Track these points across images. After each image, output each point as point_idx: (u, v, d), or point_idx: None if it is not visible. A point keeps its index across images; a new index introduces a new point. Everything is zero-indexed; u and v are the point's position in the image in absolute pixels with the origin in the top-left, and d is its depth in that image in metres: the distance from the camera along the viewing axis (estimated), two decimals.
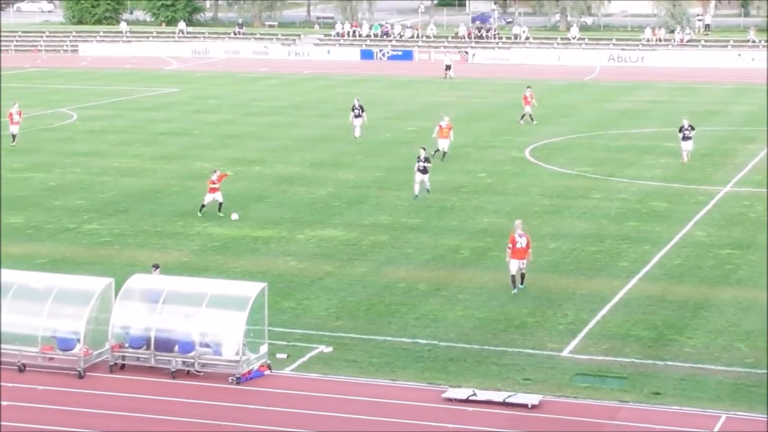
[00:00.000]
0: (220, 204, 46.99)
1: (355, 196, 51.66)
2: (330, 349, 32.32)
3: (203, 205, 47.14)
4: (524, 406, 28.16)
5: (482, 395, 28.61)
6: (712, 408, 28.06)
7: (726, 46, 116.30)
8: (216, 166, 50.88)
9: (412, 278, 38.99)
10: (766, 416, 27.51)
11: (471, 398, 28.51)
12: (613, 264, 40.57)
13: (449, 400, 28.61)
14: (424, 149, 50.97)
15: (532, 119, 71.91)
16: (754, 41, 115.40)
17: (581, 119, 75.37)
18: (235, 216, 46.34)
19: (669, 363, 31.15)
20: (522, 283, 37.17)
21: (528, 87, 74.62)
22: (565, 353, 32.05)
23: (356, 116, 66.53)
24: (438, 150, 58.88)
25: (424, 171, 50.47)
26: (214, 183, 47.08)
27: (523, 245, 36.93)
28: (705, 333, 33.46)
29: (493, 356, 31.78)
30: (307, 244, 43.35)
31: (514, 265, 37.01)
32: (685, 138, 57.99)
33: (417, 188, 50.49)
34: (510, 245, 36.99)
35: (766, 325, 33.84)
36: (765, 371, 30.35)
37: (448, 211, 48.65)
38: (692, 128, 58.06)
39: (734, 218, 47.09)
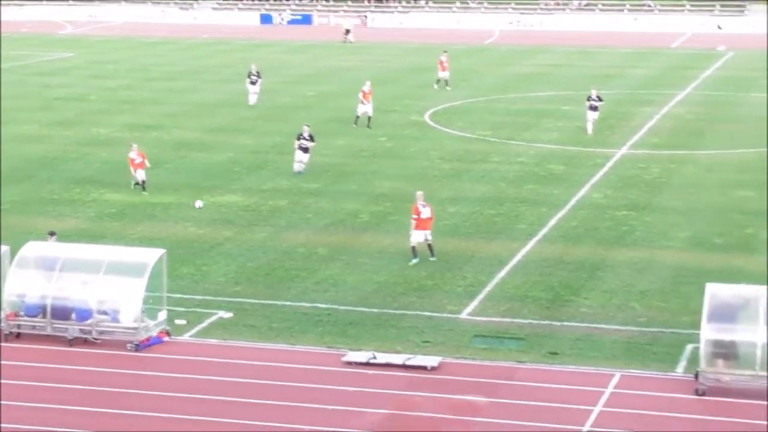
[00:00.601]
0: (143, 181, 45.50)
1: (255, 161, 51.45)
2: (229, 314, 32.26)
3: (137, 183, 45.69)
4: (423, 368, 28.38)
5: (382, 358, 28.79)
6: (607, 366, 28.53)
7: (622, 10, 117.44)
8: (132, 141, 48.63)
9: (311, 243, 39.00)
10: (657, 373, 28.03)
11: (371, 361, 28.68)
12: (512, 227, 40.94)
13: (349, 363, 28.74)
14: (308, 126, 49.29)
15: (447, 84, 71.68)
16: (649, 6, 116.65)
17: (480, 83, 75.69)
18: (199, 204, 43.70)
19: (566, 323, 31.58)
20: (433, 255, 36.81)
21: (444, 51, 74.38)
22: (464, 315, 32.33)
23: (251, 83, 66.05)
24: (359, 117, 58.66)
25: (305, 150, 48.38)
26: (134, 161, 45.80)
27: (428, 215, 36.88)
28: (601, 293, 33.95)
29: (393, 319, 31.95)
30: (206, 210, 43.12)
31: (419, 236, 36.93)
32: (592, 108, 57.37)
33: (297, 167, 48.15)
34: (415, 216, 36.93)
35: (659, 285, 34.45)
36: (657, 330, 30.90)
37: (347, 175, 48.65)
38: (600, 99, 57.53)
39: (630, 180, 47.71)
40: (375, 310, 32.61)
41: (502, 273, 35.84)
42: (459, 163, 51.11)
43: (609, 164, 50.67)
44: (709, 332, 27.14)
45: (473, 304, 33.14)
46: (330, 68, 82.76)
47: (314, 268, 36.41)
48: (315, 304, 33.09)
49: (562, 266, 36.41)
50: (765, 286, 28.66)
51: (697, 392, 26.90)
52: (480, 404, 26.50)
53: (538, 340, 30.44)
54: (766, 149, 52.27)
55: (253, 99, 65.86)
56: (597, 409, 26.19)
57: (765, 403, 26.32)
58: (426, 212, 36.87)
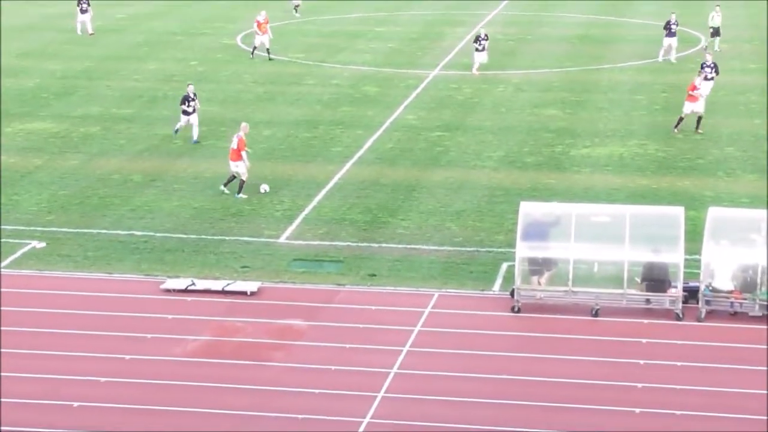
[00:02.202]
0: None
1: (63, 87, 50.28)
2: (43, 244, 31.62)
3: None
4: (243, 293, 28.34)
5: (201, 284, 28.64)
6: (425, 287, 28.91)
7: None
8: None
9: (125, 170, 38.42)
10: (474, 292, 28.56)
11: (190, 288, 28.51)
12: (328, 149, 40.99)
13: (168, 290, 28.52)
14: (192, 84, 42.60)
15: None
16: None
17: (290, 5, 75.00)
18: (264, 188, 36.83)
19: (384, 245, 31.85)
20: (239, 193, 35.61)
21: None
22: (282, 240, 32.33)
23: (82, 11, 63.15)
24: (256, 47, 56.80)
25: (194, 111, 41.46)
26: None
27: (234, 147, 35.97)
28: (417, 214, 34.31)
29: (211, 245, 31.77)
30: (15, 138, 42.06)
31: (232, 166, 35.87)
32: (479, 50, 53.58)
33: (195, 133, 41.64)
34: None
35: (474, 204, 34.98)
36: (473, 249, 31.42)
37: (159, 100, 47.94)
38: (487, 37, 53.98)
39: (443, 101, 48.15)
40: (193, 236, 32.38)
41: (320, 196, 35.92)
42: (272, 86, 50.83)
43: (422, 85, 51.01)
44: (523, 250, 27.70)
45: (291, 228, 33.16)
46: None
47: (129, 195, 35.90)
48: (131, 232, 32.67)
49: (378, 188, 36.66)
50: (575, 204, 29.34)
51: (513, 309, 27.50)
52: (301, 328, 26.69)
53: (356, 262, 30.65)
54: (569, 69, 53.36)
55: (87, 27, 62.87)
56: (417, 329, 26.56)
57: (577, 317, 27.09)
58: (233, 143, 35.75)
